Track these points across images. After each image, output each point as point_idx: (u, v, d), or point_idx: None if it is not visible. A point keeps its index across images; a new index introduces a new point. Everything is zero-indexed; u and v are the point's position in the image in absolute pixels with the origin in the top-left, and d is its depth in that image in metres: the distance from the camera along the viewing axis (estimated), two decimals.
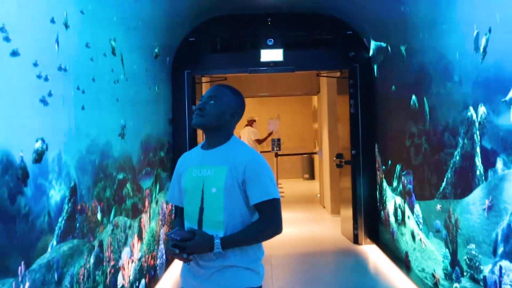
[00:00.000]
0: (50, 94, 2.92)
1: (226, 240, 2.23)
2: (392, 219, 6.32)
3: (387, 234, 6.61)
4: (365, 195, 7.35)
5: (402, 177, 5.78)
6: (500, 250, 3.40)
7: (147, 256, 5.06)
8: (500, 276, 3.40)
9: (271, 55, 7.33)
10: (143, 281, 4.85)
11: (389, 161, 6.37)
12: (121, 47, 4.43)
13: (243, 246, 2.30)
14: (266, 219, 2.30)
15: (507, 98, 3.33)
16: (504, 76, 3.25)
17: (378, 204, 7.09)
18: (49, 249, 2.82)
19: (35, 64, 2.76)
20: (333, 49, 7.40)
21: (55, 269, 2.89)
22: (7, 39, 2.46)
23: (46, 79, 2.88)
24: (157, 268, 5.52)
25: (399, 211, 5.99)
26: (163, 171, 6.06)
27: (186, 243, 2.21)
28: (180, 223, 2.48)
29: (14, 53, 2.53)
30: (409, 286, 5.41)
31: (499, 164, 3.34)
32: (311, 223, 9.50)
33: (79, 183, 3.27)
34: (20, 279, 2.48)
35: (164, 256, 5.87)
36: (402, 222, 5.88)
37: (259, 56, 7.30)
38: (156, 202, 5.62)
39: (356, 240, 7.42)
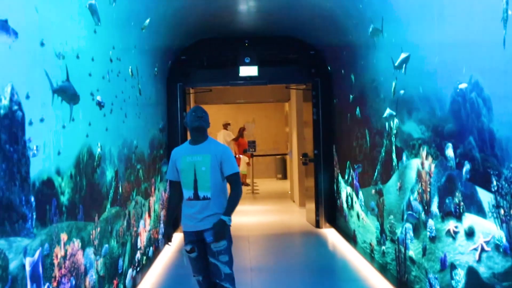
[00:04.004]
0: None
1: (226, 212, 3.84)
2: (344, 205, 7.83)
3: (341, 218, 8.11)
4: (325, 187, 8.84)
5: (351, 171, 7.31)
6: (405, 216, 4.96)
7: (153, 230, 6.52)
8: (406, 234, 4.96)
9: (248, 70, 8.77)
10: (151, 248, 6.32)
11: (342, 159, 7.91)
12: (138, 70, 5.90)
13: (220, 201, 3.90)
14: (235, 188, 3.92)
15: (384, 115, 5.00)
16: (404, 98, 4.84)
17: (335, 194, 8.60)
18: (106, 210, 4.28)
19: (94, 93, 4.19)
20: (299, 65, 8.89)
21: (109, 223, 4.35)
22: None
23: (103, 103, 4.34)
24: (159, 241, 6.98)
25: (349, 198, 7.50)
26: (162, 165, 7.51)
27: (215, 233, 3.78)
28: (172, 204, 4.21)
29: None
30: (355, 255, 6.92)
31: (404, 157, 4.91)
32: (282, 213, 11.02)
33: (119, 168, 4.74)
34: (95, 224, 3.95)
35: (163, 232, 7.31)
36: (351, 207, 7.39)
37: (238, 71, 8.74)
38: (158, 190, 7.07)
39: (317, 225, 8.96)
